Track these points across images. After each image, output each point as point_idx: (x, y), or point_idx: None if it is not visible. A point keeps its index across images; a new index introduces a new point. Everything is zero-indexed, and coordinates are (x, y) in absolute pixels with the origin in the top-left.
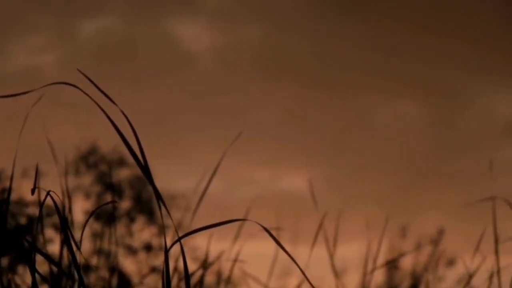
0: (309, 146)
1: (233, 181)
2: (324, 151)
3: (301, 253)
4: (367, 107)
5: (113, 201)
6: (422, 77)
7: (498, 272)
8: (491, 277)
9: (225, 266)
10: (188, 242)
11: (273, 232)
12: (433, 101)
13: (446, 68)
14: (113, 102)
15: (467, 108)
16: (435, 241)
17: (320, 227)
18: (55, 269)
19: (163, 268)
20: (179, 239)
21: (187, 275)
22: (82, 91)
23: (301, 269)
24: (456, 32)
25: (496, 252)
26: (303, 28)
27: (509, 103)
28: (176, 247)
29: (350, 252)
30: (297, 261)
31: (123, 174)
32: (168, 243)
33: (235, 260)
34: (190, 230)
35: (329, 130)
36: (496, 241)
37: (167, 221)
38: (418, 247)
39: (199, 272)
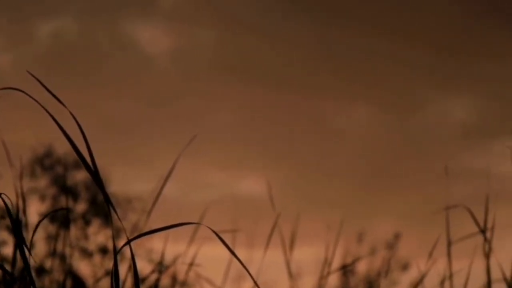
0: (267, 149)
1: (189, 184)
2: (281, 154)
3: (257, 256)
4: (324, 110)
5: (66, 208)
6: (377, 81)
7: (451, 276)
8: (443, 281)
9: (181, 269)
10: (144, 244)
11: (229, 235)
12: (388, 105)
13: (402, 73)
14: (64, 105)
15: (422, 113)
16: (390, 246)
17: (273, 229)
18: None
19: (112, 270)
20: (129, 241)
21: (136, 277)
22: (28, 95)
23: (250, 275)
24: (411, 37)
25: (449, 257)
26: (259, 31)
27: (465, 108)
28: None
29: (306, 255)
30: (253, 264)
31: (78, 177)
32: (121, 246)
33: (191, 263)
34: (143, 232)
35: (286, 133)
36: (449, 245)
37: (122, 224)
38: (373, 251)
39: (154, 275)
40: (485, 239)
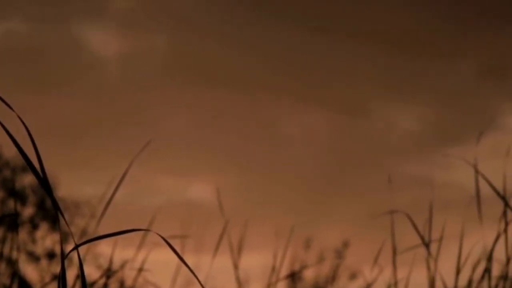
0: (216, 155)
1: (139, 189)
2: (231, 160)
3: (206, 262)
4: (274, 117)
5: (14, 214)
6: (327, 90)
7: (396, 284)
8: None
9: (129, 275)
10: (93, 250)
11: (179, 241)
12: (336, 113)
13: (350, 81)
14: (11, 108)
15: (370, 121)
16: (338, 253)
17: (222, 235)
18: None
19: (60, 275)
20: (77, 247)
21: (84, 282)
22: None
23: (199, 281)
24: (361, 46)
25: (394, 264)
26: (211, 35)
27: (410, 117)
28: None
29: (255, 262)
30: (201, 270)
31: (26, 180)
32: (69, 251)
33: (139, 269)
34: (92, 237)
35: (236, 139)
36: (394, 253)
37: (70, 228)
38: (321, 259)
39: (102, 280)
40: (428, 250)
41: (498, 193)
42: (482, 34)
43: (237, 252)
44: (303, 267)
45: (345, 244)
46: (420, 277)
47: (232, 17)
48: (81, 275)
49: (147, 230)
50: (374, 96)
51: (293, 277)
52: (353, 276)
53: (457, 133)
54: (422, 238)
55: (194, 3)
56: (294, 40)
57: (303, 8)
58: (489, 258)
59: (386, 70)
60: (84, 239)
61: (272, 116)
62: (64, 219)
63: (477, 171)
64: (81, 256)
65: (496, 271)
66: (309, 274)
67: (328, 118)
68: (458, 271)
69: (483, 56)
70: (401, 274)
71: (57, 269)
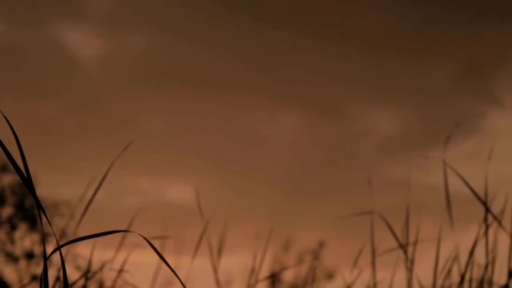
0: (196, 157)
1: (119, 190)
2: (211, 161)
3: (185, 263)
4: (253, 119)
5: None
6: (304, 92)
7: (375, 285)
8: None
9: (108, 276)
10: (72, 251)
11: (158, 242)
12: (316, 115)
13: (330, 84)
14: None
15: (349, 123)
16: (317, 255)
17: (202, 237)
18: None
19: (41, 276)
20: (59, 247)
21: (66, 283)
22: None
23: (181, 281)
24: (342, 48)
25: (373, 266)
26: (190, 37)
27: (389, 119)
28: (58, 255)
29: (235, 263)
30: (180, 271)
31: (5, 180)
32: (50, 251)
33: (119, 270)
34: (73, 238)
35: (216, 141)
36: (373, 255)
37: (50, 229)
38: (300, 260)
39: (82, 281)
40: (405, 253)
41: (477, 196)
42: (462, 35)
43: (216, 253)
44: (283, 268)
45: (323, 246)
46: (399, 279)
47: (210, 18)
48: (64, 276)
49: (128, 231)
50: (354, 97)
51: (273, 278)
52: (332, 278)
53: (436, 135)
54: (398, 240)
55: (172, 5)
56: (274, 42)
57: (282, 8)
58: (468, 262)
59: (366, 71)
60: (63, 240)
61: (251, 118)
62: (47, 219)
63: (457, 174)
64: (63, 257)
65: (475, 274)
66: (288, 276)
67: (308, 119)
68: (435, 274)
69: (464, 58)
70: (380, 275)
71: (36, 269)
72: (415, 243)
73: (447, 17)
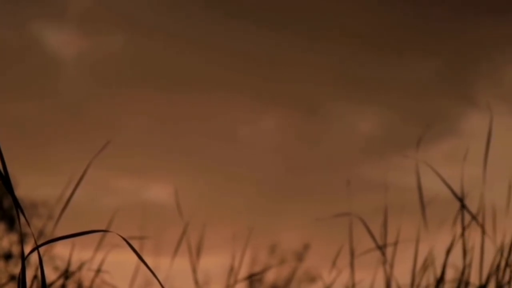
0: (175, 157)
1: (97, 190)
2: (190, 161)
3: (164, 263)
4: (233, 118)
5: None
6: (284, 92)
7: (353, 286)
8: None
9: (87, 276)
10: (51, 251)
11: (137, 242)
12: (297, 115)
13: (309, 82)
14: None
15: (328, 125)
16: (298, 256)
17: (182, 237)
18: None
19: (19, 276)
20: (37, 247)
21: (44, 284)
22: None
23: (159, 281)
24: (320, 46)
25: (352, 267)
26: (170, 36)
27: (369, 121)
28: (36, 255)
29: (214, 264)
30: (159, 271)
31: None
32: (28, 251)
33: (97, 270)
34: (51, 238)
35: (195, 141)
36: (352, 255)
37: (28, 229)
38: (281, 261)
39: (60, 282)
40: (383, 254)
41: (455, 195)
42: (447, 33)
43: (195, 254)
44: (263, 269)
45: (305, 247)
46: (378, 279)
47: (188, 18)
48: (42, 276)
49: (107, 231)
50: (336, 96)
51: (252, 279)
52: (311, 279)
53: (415, 136)
54: (376, 242)
55: (150, 4)
56: (254, 40)
57: (263, 5)
58: (445, 262)
59: (345, 70)
60: (41, 240)
61: (231, 117)
62: (26, 219)
63: (437, 174)
64: (41, 257)
65: (452, 275)
66: (268, 276)
67: (288, 119)
68: (413, 275)
69: (446, 56)
70: (359, 276)
71: (14, 270)
72: (394, 244)
73: (432, 15)
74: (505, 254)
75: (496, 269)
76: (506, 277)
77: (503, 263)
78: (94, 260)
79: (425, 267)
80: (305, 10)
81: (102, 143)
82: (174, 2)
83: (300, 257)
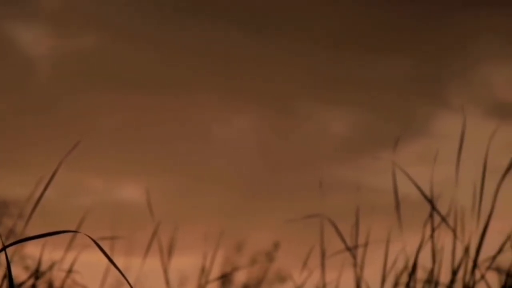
0: (147, 156)
1: (68, 189)
2: (161, 161)
3: (136, 264)
4: (206, 118)
5: None
6: (257, 91)
7: (324, 286)
8: None
9: (57, 276)
10: (21, 251)
11: (108, 242)
12: (270, 115)
13: (280, 83)
14: None
15: (301, 125)
16: (269, 256)
17: (153, 237)
18: None
19: None
20: (5, 248)
21: (11, 284)
22: None
23: (128, 283)
24: (291, 47)
25: (323, 267)
26: (143, 37)
27: (342, 121)
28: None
29: (186, 264)
30: (131, 272)
31: None
32: None
33: (68, 270)
34: (20, 238)
35: (167, 141)
36: (323, 256)
37: None
38: (253, 261)
39: (30, 282)
40: (353, 255)
41: (425, 196)
42: (420, 34)
43: (167, 254)
44: (234, 269)
45: (276, 247)
46: (348, 280)
47: (161, 20)
48: (9, 277)
49: (76, 231)
50: (308, 95)
51: (224, 279)
52: (282, 279)
53: (387, 136)
54: (345, 243)
55: (124, 6)
56: (225, 40)
57: (235, 5)
58: (414, 262)
59: (319, 69)
60: (11, 240)
61: (203, 118)
62: None
63: (407, 175)
64: (9, 257)
65: (421, 275)
66: (239, 277)
67: (261, 119)
68: (383, 277)
69: (419, 58)
70: (330, 277)
71: None
72: (365, 245)
73: (408, 14)
74: (472, 254)
75: (464, 269)
76: (474, 278)
77: (470, 264)
78: (65, 260)
79: (395, 267)
80: (280, 9)
81: (74, 143)
82: (146, 4)
83: (271, 257)
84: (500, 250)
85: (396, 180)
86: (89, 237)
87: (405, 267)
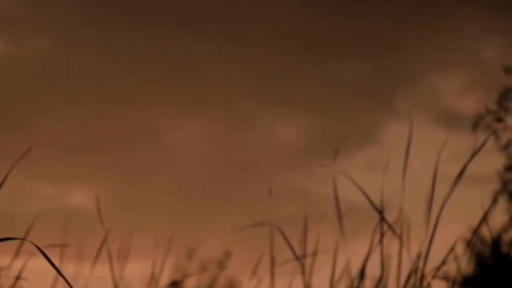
0: (98, 163)
1: (17, 196)
2: (113, 168)
3: (85, 271)
4: (157, 125)
5: None
6: (207, 98)
7: None
8: None
9: (5, 283)
10: None
11: (58, 249)
12: (221, 123)
13: (231, 90)
14: None
15: (251, 131)
16: (219, 263)
17: (103, 244)
18: None
19: None
20: None
21: None
22: None
23: None
24: (242, 52)
25: (272, 275)
26: (96, 40)
27: (293, 128)
28: None
29: (135, 271)
30: (80, 279)
31: None
32: None
33: (16, 277)
34: None
35: (118, 148)
36: (272, 264)
37: None
38: (203, 268)
39: None
40: (301, 263)
41: (373, 205)
42: (370, 41)
43: (116, 261)
44: (184, 276)
45: (226, 255)
46: None
47: (112, 30)
48: None
49: (22, 239)
50: (254, 101)
51: (174, 286)
52: (232, 286)
53: (336, 144)
54: (294, 252)
55: (79, 8)
56: (172, 47)
57: (185, 10)
58: (362, 271)
59: (271, 75)
60: None
61: (154, 125)
62: None
63: (354, 183)
64: None
65: (369, 283)
66: (189, 284)
67: (210, 126)
68: (331, 284)
69: (370, 66)
70: (279, 285)
71: None
72: (313, 253)
73: (358, 22)
74: (421, 264)
75: (412, 278)
76: (421, 286)
77: (419, 273)
78: (13, 267)
79: (342, 276)
80: (226, 15)
81: (24, 148)
82: (103, 12)
83: (221, 264)
84: (444, 262)
85: (337, 189)
86: (34, 244)
87: (353, 275)
